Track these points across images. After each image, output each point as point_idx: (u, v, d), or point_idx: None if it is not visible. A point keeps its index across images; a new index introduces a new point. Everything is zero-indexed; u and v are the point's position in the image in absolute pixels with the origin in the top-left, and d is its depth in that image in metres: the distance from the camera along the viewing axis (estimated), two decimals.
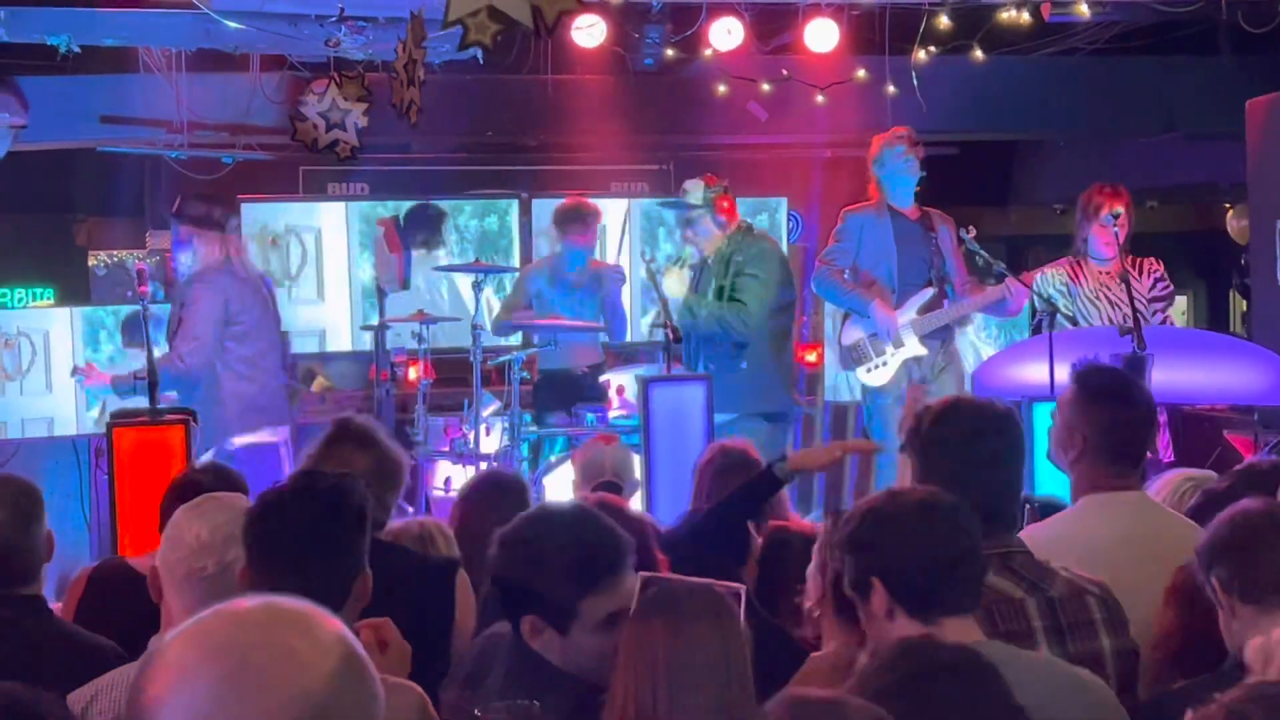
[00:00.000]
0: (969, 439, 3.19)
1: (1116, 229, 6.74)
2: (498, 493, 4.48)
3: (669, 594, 2.73)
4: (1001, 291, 6.95)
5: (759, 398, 6.96)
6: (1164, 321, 7.03)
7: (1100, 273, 6.97)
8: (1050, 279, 7.06)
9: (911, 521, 2.71)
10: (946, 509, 2.75)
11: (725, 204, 7.10)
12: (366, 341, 9.00)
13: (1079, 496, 3.66)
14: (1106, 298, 6.93)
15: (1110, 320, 6.83)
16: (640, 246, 9.11)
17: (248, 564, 2.81)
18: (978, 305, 7.16)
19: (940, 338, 7.10)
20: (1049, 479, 4.99)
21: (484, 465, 7.23)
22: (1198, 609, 3.02)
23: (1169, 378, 5.95)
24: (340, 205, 9.37)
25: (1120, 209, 6.82)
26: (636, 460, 6.14)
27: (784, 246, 9.60)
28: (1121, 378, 3.79)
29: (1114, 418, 3.60)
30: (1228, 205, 11.89)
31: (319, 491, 2.87)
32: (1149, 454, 6.24)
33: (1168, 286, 7.08)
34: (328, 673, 1.47)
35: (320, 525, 2.80)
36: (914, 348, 7.00)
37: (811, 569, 3.24)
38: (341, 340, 9.33)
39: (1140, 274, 7.00)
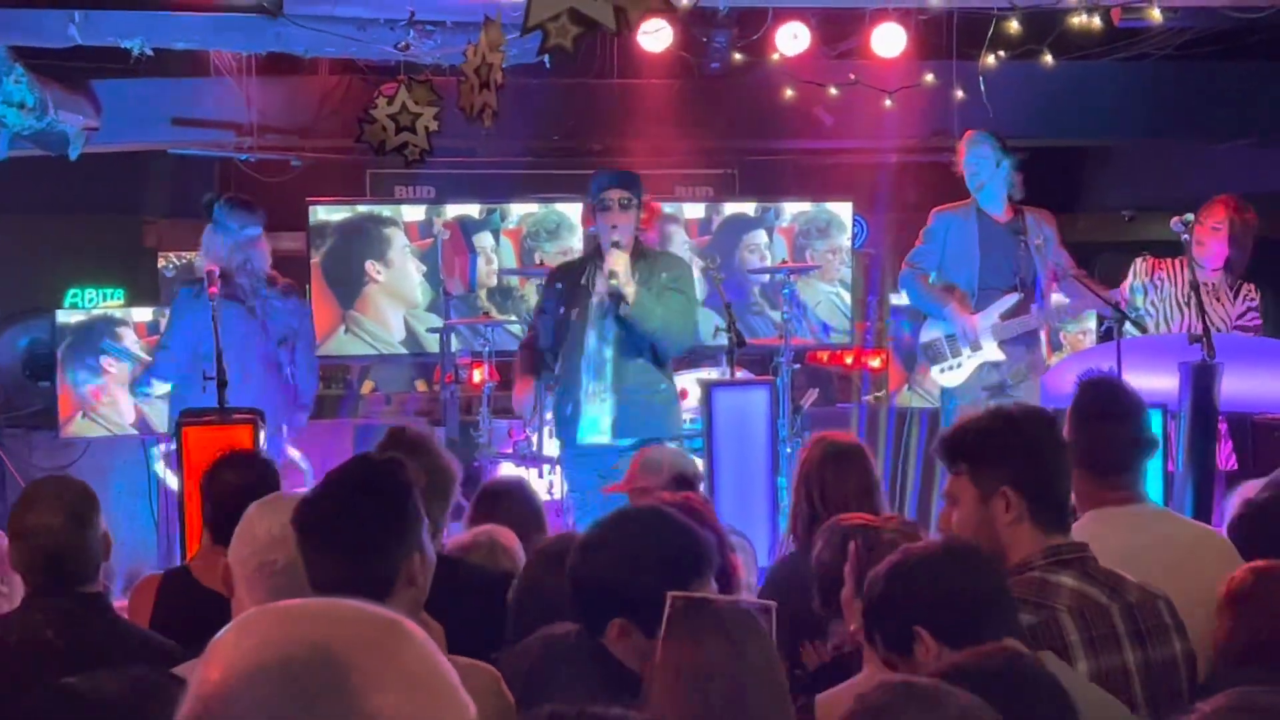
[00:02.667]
0: (1046, 434, 3.18)
1: (1187, 235, 6.68)
2: (496, 500, 4.53)
3: (700, 611, 2.70)
4: (1098, 300, 6.89)
5: (675, 420, 6.73)
6: None
7: (1200, 282, 6.91)
8: (1139, 270, 7.03)
9: (944, 566, 2.75)
10: (968, 550, 2.82)
11: (646, 214, 6.85)
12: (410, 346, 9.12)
13: (1081, 512, 3.66)
14: (1197, 305, 6.87)
15: (1190, 328, 6.77)
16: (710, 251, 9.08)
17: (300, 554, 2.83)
18: (1059, 319, 7.15)
19: (1025, 343, 7.03)
20: None
21: (547, 468, 7.26)
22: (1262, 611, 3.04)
23: (1239, 386, 5.89)
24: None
25: (1219, 224, 6.77)
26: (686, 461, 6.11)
27: (850, 249, 9.58)
28: (1105, 396, 3.76)
29: (1092, 430, 3.63)
30: None
31: (353, 478, 2.87)
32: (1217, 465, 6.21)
33: (1257, 318, 7.00)
34: None
35: (354, 512, 2.78)
36: (991, 352, 6.95)
37: (847, 594, 3.22)
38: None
39: (1236, 296, 6.94)
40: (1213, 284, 6.70)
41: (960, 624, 2.66)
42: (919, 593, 2.72)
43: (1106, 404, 3.69)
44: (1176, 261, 7.08)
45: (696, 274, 7.24)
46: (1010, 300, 6.97)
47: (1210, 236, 6.93)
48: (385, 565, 2.75)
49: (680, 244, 9.30)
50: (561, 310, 6.60)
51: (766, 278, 9.07)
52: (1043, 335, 7.38)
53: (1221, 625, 3.22)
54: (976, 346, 6.96)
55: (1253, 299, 7.03)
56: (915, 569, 2.75)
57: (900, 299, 7.99)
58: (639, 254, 6.51)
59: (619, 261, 6.34)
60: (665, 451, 5.34)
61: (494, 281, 9.32)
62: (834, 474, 4.35)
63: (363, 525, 2.77)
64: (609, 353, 6.47)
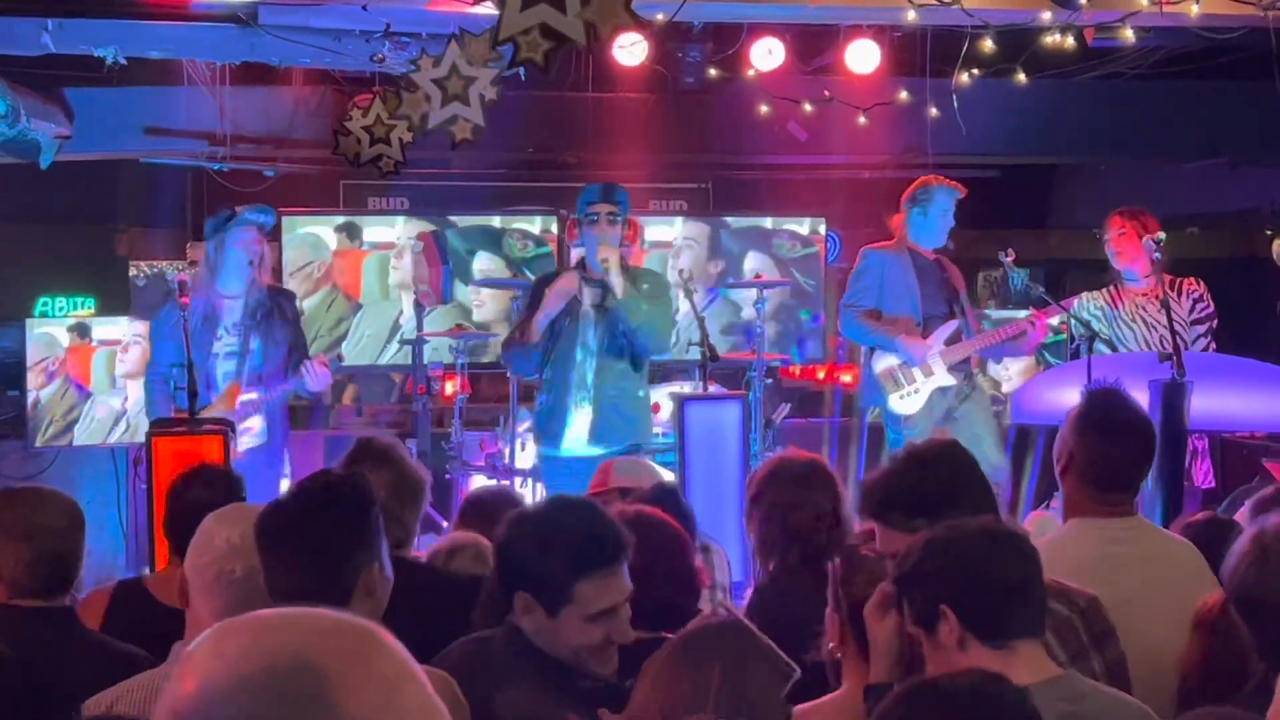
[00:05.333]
0: (965, 471, 3.31)
1: (1158, 253, 6.71)
2: (489, 509, 4.52)
3: (697, 642, 2.67)
4: (1023, 325, 7.02)
5: (649, 429, 6.80)
6: (1207, 346, 6.98)
7: (1136, 293, 6.98)
8: (1087, 303, 7.11)
9: (978, 548, 2.70)
10: (1008, 534, 2.77)
11: (629, 230, 7.01)
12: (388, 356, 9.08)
13: (1069, 517, 3.68)
14: (1143, 319, 6.93)
15: (1146, 342, 6.83)
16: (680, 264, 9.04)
17: (260, 561, 2.88)
18: (999, 337, 7.23)
19: (963, 369, 7.16)
20: None
21: (519, 480, 7.25)
22: (1223, 638, 3.05)
23: (1208, 405, 5.91)
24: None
25: (1162, 234, 6.82)
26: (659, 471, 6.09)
27: (823, 265, 9.59)
28: (1122, 408, 3.74)
29: (1102, 447, 3.61)
30: (1269, 232, 11.80)
31: (316, 489, 2.95)
32: (1186, 482, 6.23)
33: (1208, 307, 7.06)
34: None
35: (315, 521, 2.85)
36: (942, 377, 7.06)
37: (829, 610, 3.20)
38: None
39: (1179, 295, 7.00)
40: (1154, 292, 6.74)
41: (986, 610, 2.65)
42: (950, 571, 2.68)
43: (1116, 423, 3.66)
44: (1106, 289, 7.16)
45: (674, 287, 7.26)
46: (952, 326, 7.12)
47: (1123, 244, 7.04)
48: (344, 575, 2.81)
49: (653, 257, 9.30)
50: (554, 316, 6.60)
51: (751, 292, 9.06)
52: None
53: (1193, 646, 3.22)
54: (929, 371, 7.06)
55: (1195, 290, 7.12)
56: (951, 546, 2.71)
57: None
58: (622, 269, 6.53)
59: (611, 251, 6.39)
60: (642, 461, 5.40)
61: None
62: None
63: (323, 534, 2.83)
64: (591, 362, 6.49)
